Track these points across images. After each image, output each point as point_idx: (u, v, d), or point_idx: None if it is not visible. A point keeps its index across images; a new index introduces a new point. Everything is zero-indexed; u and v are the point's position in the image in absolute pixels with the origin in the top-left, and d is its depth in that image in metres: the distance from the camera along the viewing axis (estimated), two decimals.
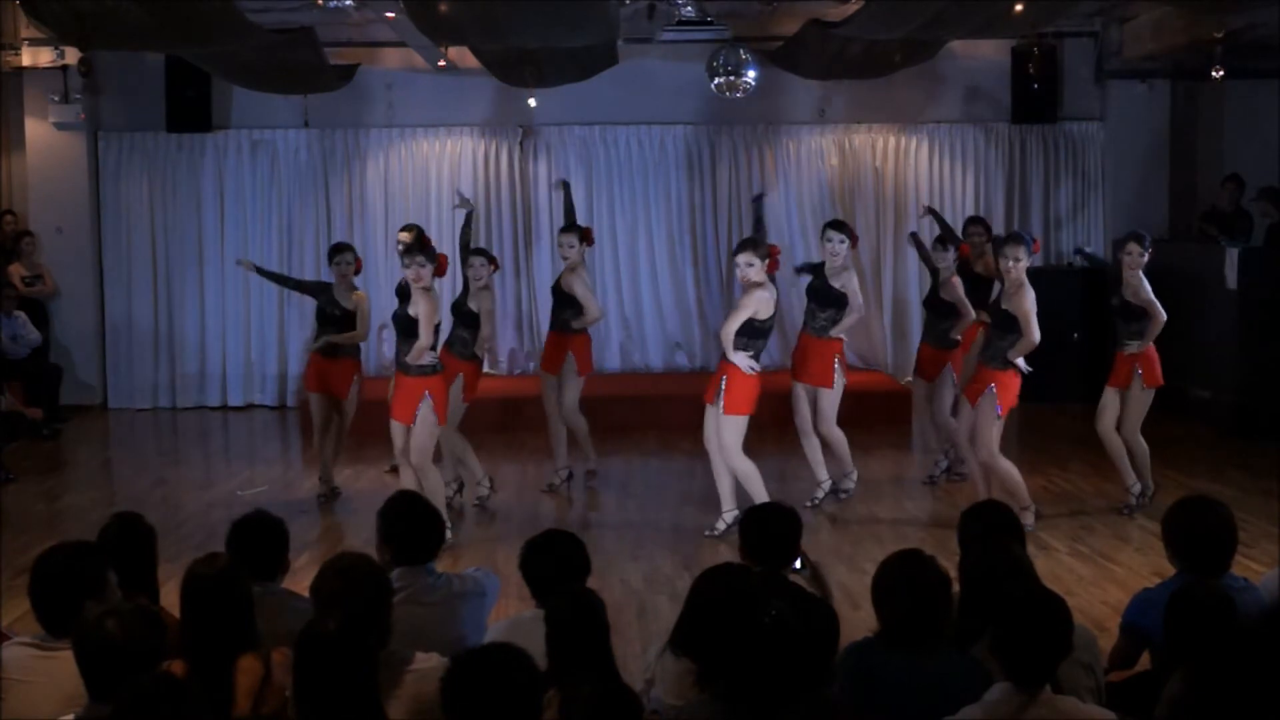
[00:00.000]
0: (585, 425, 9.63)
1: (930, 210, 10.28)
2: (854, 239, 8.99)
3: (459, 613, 4.61)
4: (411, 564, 4.57)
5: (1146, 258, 8.54)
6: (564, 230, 9.55)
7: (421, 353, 7.78)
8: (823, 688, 3.52)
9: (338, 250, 9.34)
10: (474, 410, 9.24)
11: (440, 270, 8.01)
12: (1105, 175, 13.77)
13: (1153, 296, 8.49)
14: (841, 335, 8.84)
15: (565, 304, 9.39)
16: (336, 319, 9.16)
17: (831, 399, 8.80)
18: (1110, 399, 8.65)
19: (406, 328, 7.88)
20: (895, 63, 11.31)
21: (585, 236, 9.46)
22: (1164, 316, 8.48)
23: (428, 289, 7.82)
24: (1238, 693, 3.50)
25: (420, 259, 7.82)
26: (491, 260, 9.11)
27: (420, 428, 7.84)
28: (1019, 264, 7.89)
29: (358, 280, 9.44)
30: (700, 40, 12.58)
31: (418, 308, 7.79)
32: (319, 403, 9.31)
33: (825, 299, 8.79)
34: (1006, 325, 7.92)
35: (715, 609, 3.85)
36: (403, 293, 8.27)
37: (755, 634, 3.39)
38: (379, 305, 13.54)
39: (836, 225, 9.00)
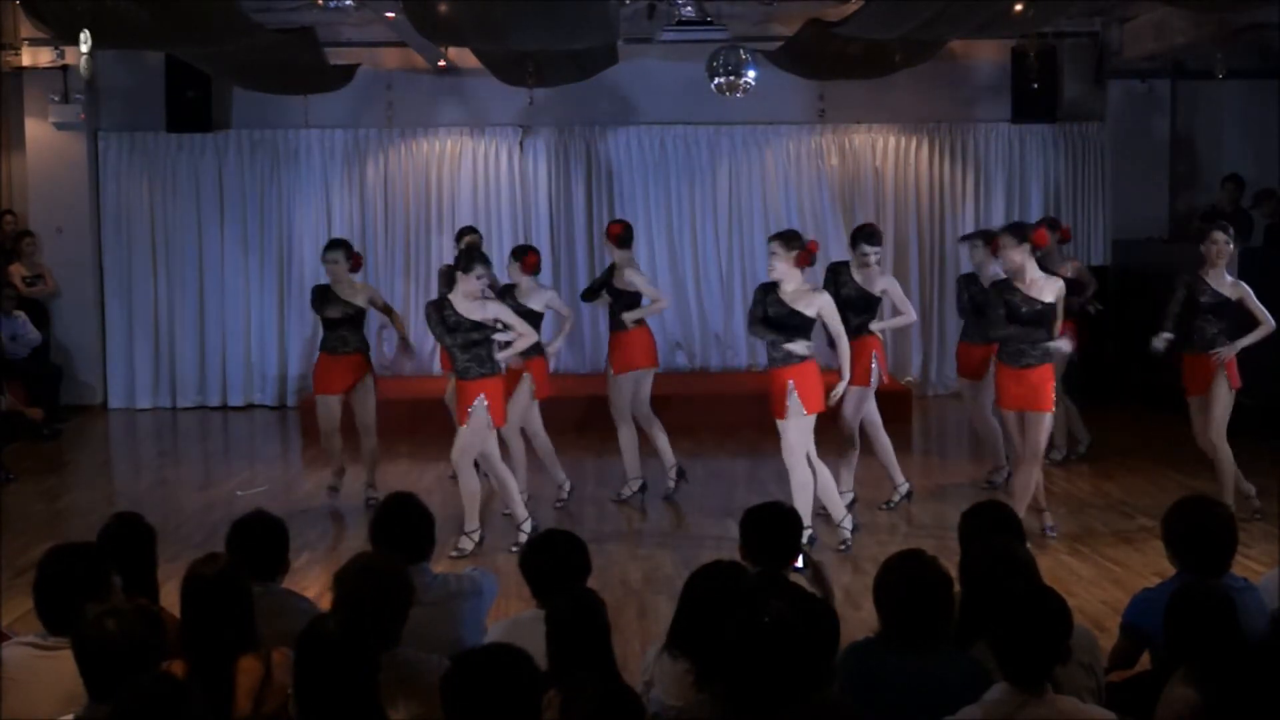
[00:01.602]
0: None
1: None
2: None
3: (456, 613, 4.61)
4: (408, 564, 4.56)
5: (1230, 247, 8.27)
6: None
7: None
8: (823, 688, 3.51)
9: (329, 248, 9.16)
10: None
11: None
12: (1105, 175, 13.77)
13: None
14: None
15: (630, 302, 9.17)
16: (349, 319, 9.04)
17: (868, 396, 8.59)
18: (1198, 409, 8.41)
19: (476, 336, 7.88)
20: (895, 63, 11.31)
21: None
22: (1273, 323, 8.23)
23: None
24: (1252, 705, 3.48)
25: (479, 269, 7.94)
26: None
27: (473, 428, 7.89)
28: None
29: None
30: (700, 40, 12.57)
31: (490, 312, 7.92)
32: (330, 404, 9.15)
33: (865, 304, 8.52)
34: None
35: (709, 607, 3.85)
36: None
37: (751, 632, 3.39)
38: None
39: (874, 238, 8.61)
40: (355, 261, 9.09)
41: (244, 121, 13.60)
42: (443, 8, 8.88)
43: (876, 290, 8.50)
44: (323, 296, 9.08)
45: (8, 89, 13.23)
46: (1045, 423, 7.83)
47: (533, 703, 3.24)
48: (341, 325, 9.03)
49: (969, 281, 9.53)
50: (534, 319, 8.62)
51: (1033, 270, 7.82)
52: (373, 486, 9.26)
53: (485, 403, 7.88)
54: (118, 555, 4.37)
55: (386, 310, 9.36)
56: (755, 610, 3.43)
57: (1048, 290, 7.78)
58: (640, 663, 4.24)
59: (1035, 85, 13.01)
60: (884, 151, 13.76)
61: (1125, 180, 13.66)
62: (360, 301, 9.07)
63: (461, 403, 7.99)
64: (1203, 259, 8.34)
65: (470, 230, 10.19)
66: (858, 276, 8.49)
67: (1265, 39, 11.16)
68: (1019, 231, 7.99)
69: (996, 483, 9.46)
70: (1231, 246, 8.29)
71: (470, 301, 7.89)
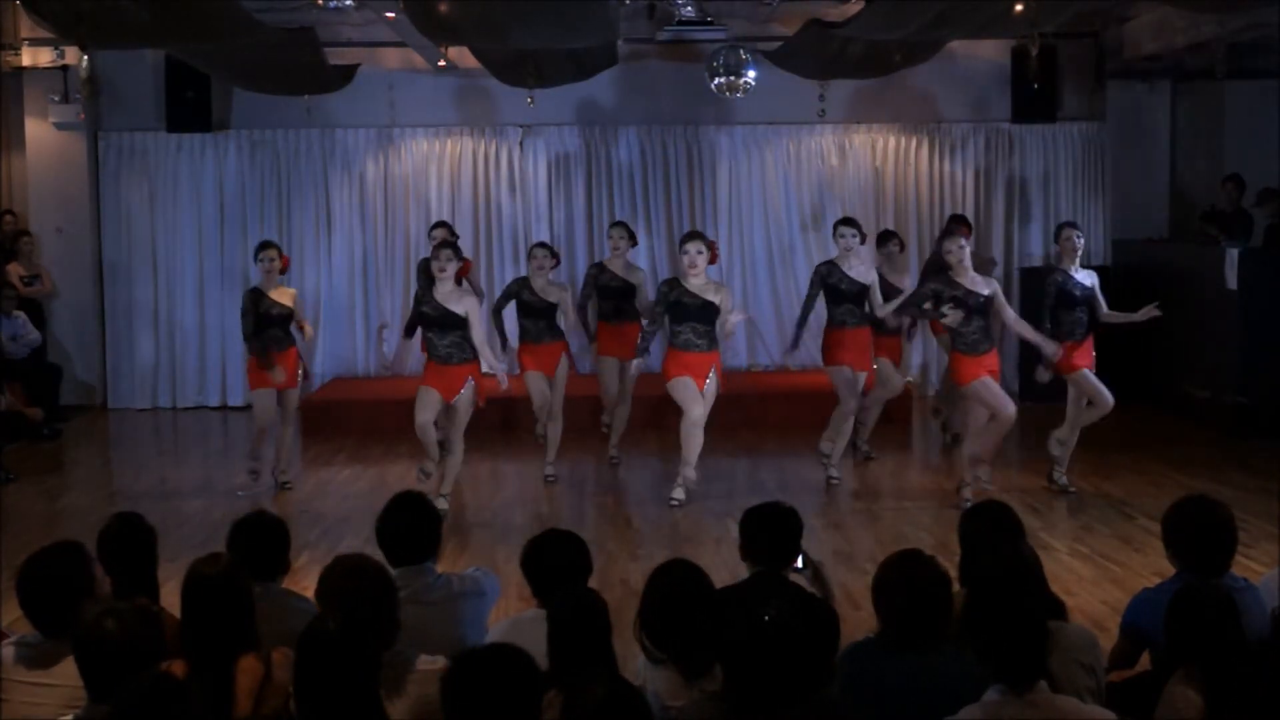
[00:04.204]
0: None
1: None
2: (863, 236, 9.60)
3: (459, 613, 4.60)
4: (411, 564, 4.57)
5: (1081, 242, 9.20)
6: (615, 225, 10.41)
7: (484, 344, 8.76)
8: (823, 688, 3.51)
9: (262, 248, 9.51)
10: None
11: (463, 272, 8.92)
12: (1105, 175, 13.77)
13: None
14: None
15: (625, 296, 9.97)
16: (283, 318, 9.38)
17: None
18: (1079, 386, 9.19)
19: (450, 322, 8.54)
20: (895, 63, 11.31)
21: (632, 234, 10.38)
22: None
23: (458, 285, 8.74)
24: (1253, 705, 3.47)
25: (447, 253, 8.62)
26: (554, 254, 9.80)
27: (462, 406, 8.68)
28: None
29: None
30: (700, 40, 12.58)
31: (465, 304, 8.61)
32: (270, 398, 9.49)
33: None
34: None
35: (672, 608, 3.87)
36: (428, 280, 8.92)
37: (750, 632, 3.38)
38: (377, 303, 13.61)
39: (848, 221, 9.64)
40: (284, 262, 9.52)
41: (244, 121, 13.60)
42: (443, 7, 8.88)
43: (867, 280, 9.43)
44: (259, 298, 9.39)
45: (8, 89, 13.23)
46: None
47: (533, 703, 3.24)
48: (274, 325, 9.35)
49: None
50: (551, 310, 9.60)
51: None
52: (285, 472, 9.73)
53: (474, 383, 8.69)
54: (118, 555, 4.38)
55: (300, 321, 9.62)
56: (755, 610, 3.43)
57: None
58: (636, 664, 4.24)
59: (1035, 85, 13.00)
60: (884, 151, 13.76)
61: (1125, 180, 13.66)
62: (287, 301, 9.45)
63: (451, 384, 8.63)
64: (1060, 256, 9.27)
65: (440, 225, 10.73)
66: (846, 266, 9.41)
67: (1265, 39, 11.14)
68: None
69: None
70: (1082, 242, 9.17)
71: (449, 293, 8.62)
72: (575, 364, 9.86)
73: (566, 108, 13.38)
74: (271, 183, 13.59)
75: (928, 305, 8.74)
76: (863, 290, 9.34)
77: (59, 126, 13.26)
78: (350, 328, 13.68)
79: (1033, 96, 13.18)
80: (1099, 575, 7.36)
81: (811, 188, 13.73)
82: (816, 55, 11.54)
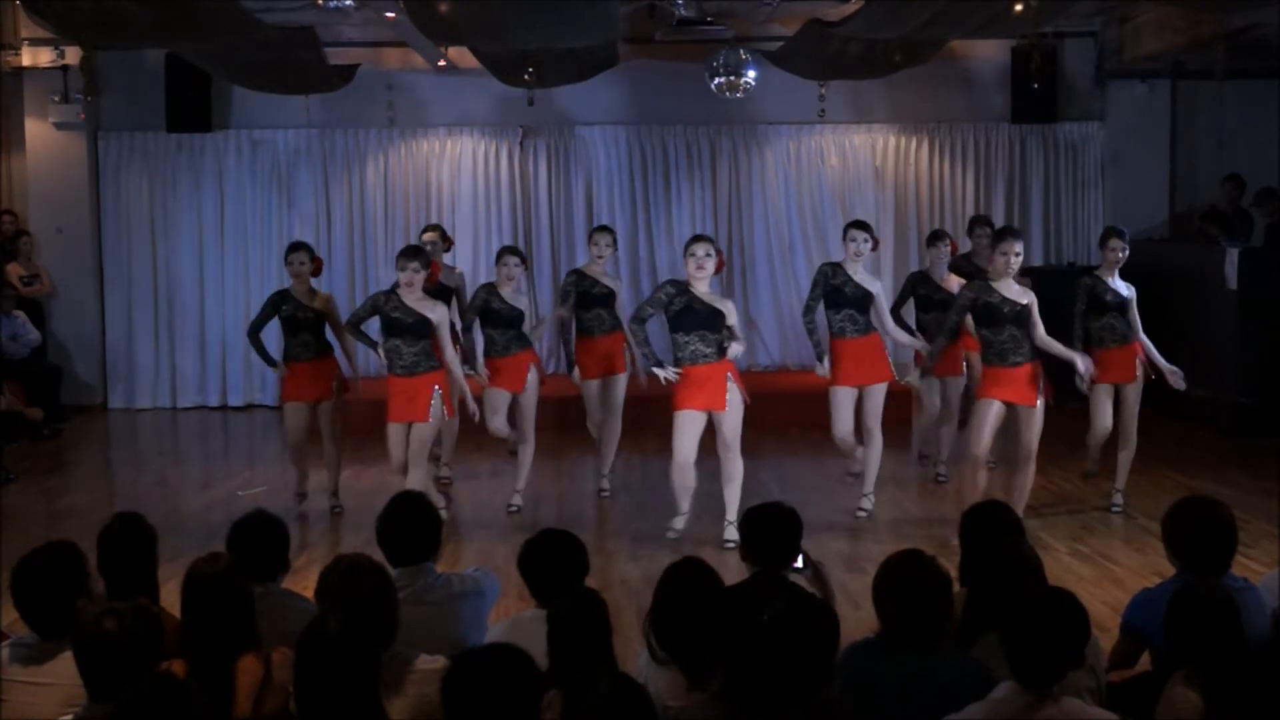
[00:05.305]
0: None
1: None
2: (875, 241, 8.63)
3: (458, 613, 4.61)
4: (411, 564, 4.57)
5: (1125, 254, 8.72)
6: (602, 229, 9.51)
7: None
8: (823, 688, 3.51)
9: (292, 249, 8.99)
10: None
11: (432, 278, 8.32)
12: (1105, 175, 13.77)
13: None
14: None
15: (608, 304, 9.23)
16: (310, 322, 8.87)
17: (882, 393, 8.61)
18: (1109, 396, 8.70)
19: (423, 329, 8.02)
20: (895, 63, 11.31)
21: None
22: None
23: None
24: (1253, 706, 3.47)
25: (415, 265, 8.00)
26: (523, 260, 9.13)
27: (432, 422, 8.08)
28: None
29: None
30: (700, 40, 12.58)
31: (437, 312, 8.06)
32: (299, 413, 8.98)
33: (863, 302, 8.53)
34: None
35: (683, 607, 3.86)
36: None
37: (751, 631, 3.38)
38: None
39: (860, 225, 8.64)
40: (317, 265, 8.98)
41: (244, 121, 13.60)
42: (443, 7, 8.89)
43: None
44: (281, 300, 8.91)
45: (8, 89, 13.23)
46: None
47: (533, 703, 3.24)
48: (302, 330, 8.86)
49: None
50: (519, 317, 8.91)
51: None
52: (335, 495, 9.10)
53: (440, 393, 8.09)
54: (118, 556, 4.38)
55: (336, 327, 8.96)
56: (755, 610, 3.43)
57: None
58: (635, 664, 4.24)
59: (1035, 85, 13.01)
60: (884, 151, 13.76)
61: (1125, 180, 13.66)
62: (317, 305, 8.89)
63: (419, 397, 8.05)
64: (1102, 263, 8.79)
65: (431, 228, 10.12)
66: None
67: (1265, 39, 11.14)
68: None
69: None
70: (1125, 255, 8.63)
71: (420, 300, 8.06)
72: (544, 372, 9.07)
73: (567, 108, 13.38)
74: (271, 183, 13.59)
75: (955, 319, 8.10)
76: (867, 296, 8.41)
77: (59, 126, 13.27)
78: None
79: (1033, 96, 13.19)
80: (1099, 575, 7.35)
81: (812, 188, 13.72)
82: (816, 55, 11.54)
